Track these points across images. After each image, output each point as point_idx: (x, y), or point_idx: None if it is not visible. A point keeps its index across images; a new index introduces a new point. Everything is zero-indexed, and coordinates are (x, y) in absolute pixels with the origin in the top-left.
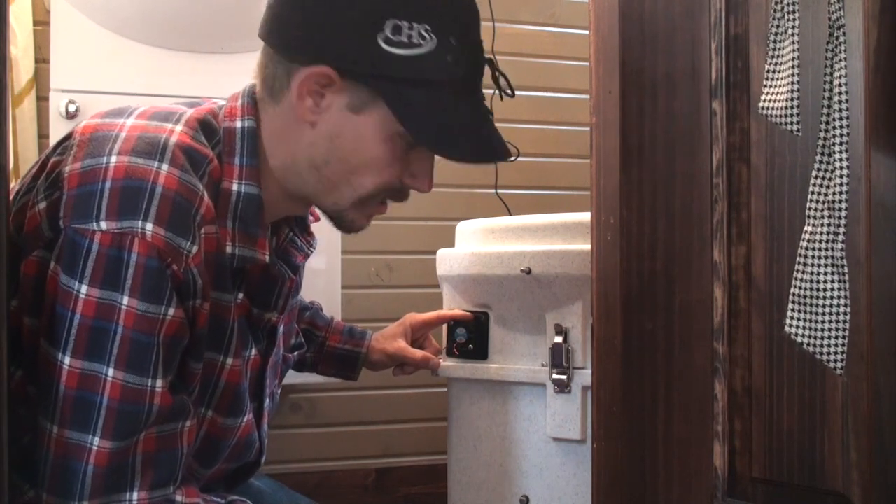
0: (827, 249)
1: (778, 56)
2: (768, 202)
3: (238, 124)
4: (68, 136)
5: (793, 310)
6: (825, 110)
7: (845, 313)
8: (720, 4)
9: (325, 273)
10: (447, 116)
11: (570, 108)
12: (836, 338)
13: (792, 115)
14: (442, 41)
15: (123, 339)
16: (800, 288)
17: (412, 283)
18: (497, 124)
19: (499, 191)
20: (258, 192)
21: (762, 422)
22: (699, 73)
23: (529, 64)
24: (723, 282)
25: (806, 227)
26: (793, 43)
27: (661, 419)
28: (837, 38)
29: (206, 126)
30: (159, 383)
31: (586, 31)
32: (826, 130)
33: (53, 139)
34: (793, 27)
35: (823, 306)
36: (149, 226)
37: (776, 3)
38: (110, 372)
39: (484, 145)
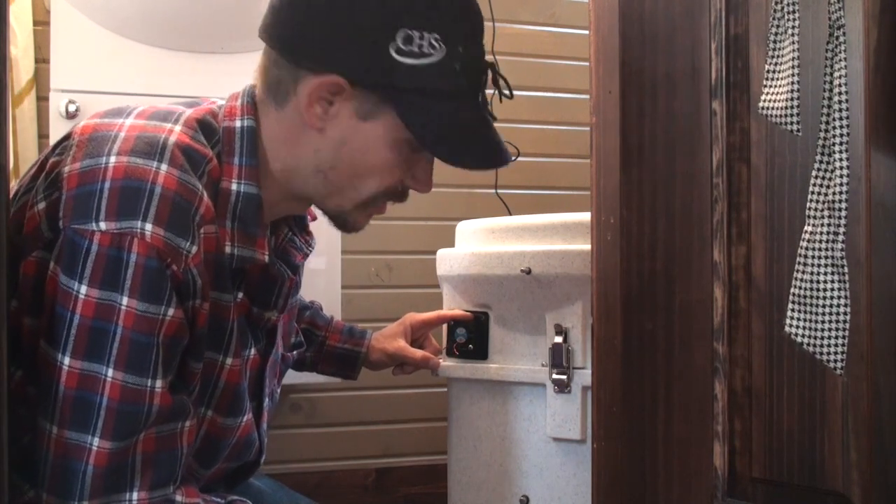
0: (827, 249)
1: (778, 56)
2: (768, 202)
3: (238, 124)
4: (67, 137)
5: (793, 310)
6: (825, 110)
7: (845, 313)
8: (720, 4)
9: (325, 273)
10: (455, 124)
11: (570, 108)
12: (836, 338)
13: (792, 115)
14: (450, 50)
15: (123, 339)
16: (800, 288)
17: (412, 283)
18: (497, 124)
19: (499, 191)
20: (257, 192)
21: (762, 422)
22: (699, 73)
23: (529, 64)
24: (723, 282)
25: (806, 227)
26: (793, 43)
27: (661, 419)
28: (837, 38)
29: (205, 126)
30: (159, 383)
31: (586, 31)
32: (826, 130)
33: (53, 139)
34: (793, 27)
35: (823, 306)
36: (148, 226)
37: (776, 3)
38: (110, 372)
39: (489, 152)
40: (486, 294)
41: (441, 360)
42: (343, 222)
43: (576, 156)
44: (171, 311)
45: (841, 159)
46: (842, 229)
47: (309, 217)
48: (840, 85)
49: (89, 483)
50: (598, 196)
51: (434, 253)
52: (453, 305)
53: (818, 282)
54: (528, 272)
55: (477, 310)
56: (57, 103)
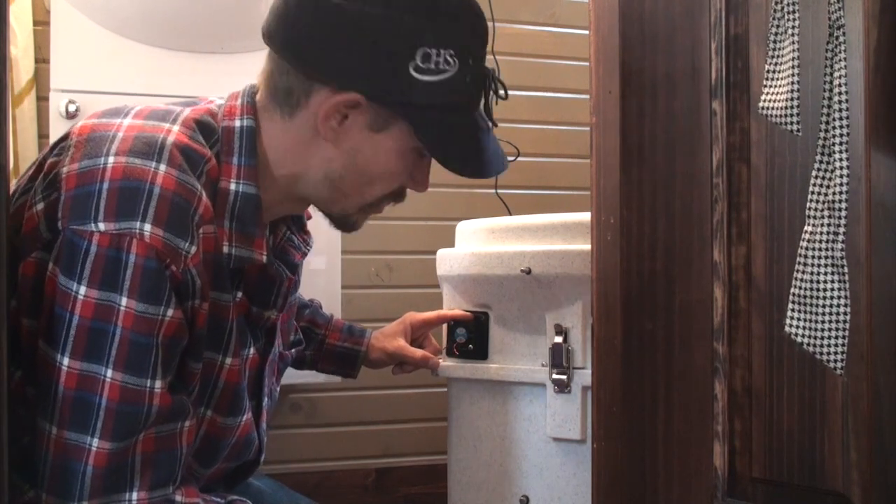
0: (827, 249)
1: (778, 56)
2: (768, 202)
3: (237, 123)
4: (65, 137)
5: (793, 310)
6: (825, 110)
7: (845, 313)
8: (720, 4)
9: (325, 273)
10: (465, 135)
11: (570, 108)
12: (836, 338)
13: (792, 115)
14: (462, 64)
15: (122, 340)
16: (800, 288)
17: (412, 283)
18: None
19: (499, 191)
20: (256, 192)
21: (762, 422)
22: (699, 73)
23: (529, 64)
24: (723, 282)
25: (806, 227)
26: (793, 43)
27: (661, 419)
28: (837, 38)
29: (203, 125)
30: (158, 384)
31: (586, 31)
32: (826, 130)
33: (53, 139)
34: (793, 27)
35: (823, 306)
36: (147, 227)
37: (776, 3)
38: (109, 373)
39: (495, 158)
40: (486, 294)
41: (441, 360)
42: (344, 223)
43: (576, 156)
44: (170, 312)
45: (841, 159)
46: (842, 229)
47: (306, 216)
48: (840, 85)
49: (89, 483)
50: (598, 196)
51: (434, 253)
52: (453, 305)
53: (818, 282)
54: (528, 272)
55: (477, 310)
56: (57, 103)
